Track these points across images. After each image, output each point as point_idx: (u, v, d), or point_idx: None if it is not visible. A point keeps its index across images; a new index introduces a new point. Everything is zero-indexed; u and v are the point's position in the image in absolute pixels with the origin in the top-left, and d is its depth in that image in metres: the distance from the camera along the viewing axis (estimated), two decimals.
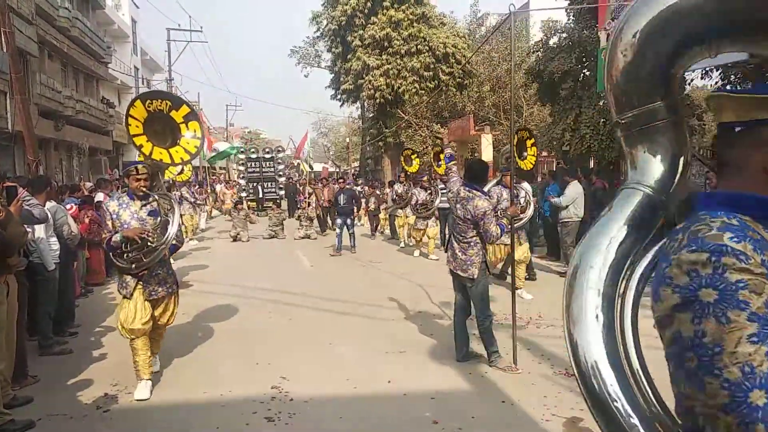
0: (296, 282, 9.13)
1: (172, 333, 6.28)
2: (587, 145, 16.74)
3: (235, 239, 14.89)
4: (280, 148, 27.49)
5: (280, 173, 25.80)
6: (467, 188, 4.93)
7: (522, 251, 7.57)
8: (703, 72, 15.62)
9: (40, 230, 5.30)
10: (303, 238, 15.47)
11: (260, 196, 24.40)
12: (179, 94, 37.22)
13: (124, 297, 4.48)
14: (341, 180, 16.49)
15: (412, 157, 14.42)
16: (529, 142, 7.95)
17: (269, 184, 25.26)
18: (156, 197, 4.64)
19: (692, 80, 17.19)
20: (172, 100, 4.94)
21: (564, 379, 4.60)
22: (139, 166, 4.55)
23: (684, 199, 1.33)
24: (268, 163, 25.64)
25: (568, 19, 18.22)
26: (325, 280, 9.45)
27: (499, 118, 25.02)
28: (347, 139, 51.78)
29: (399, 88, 25.88)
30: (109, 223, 4.48)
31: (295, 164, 29.82)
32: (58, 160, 22.93)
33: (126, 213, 4.48)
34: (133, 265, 4.39)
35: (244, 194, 23.08)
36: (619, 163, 18.10)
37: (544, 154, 22.64)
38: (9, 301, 4.22)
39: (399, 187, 13.43)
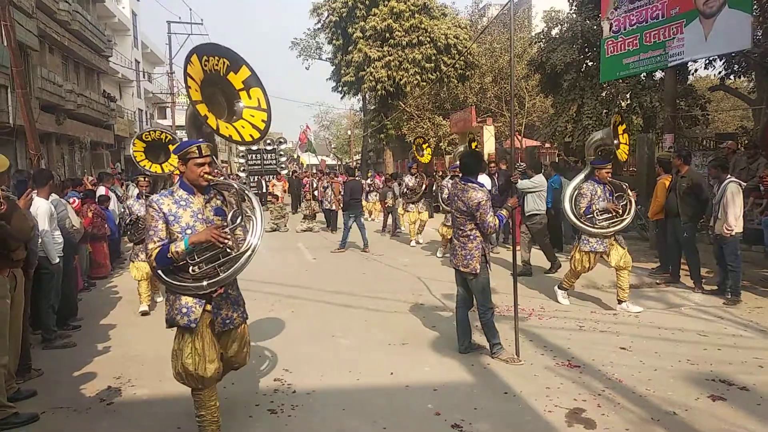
0: (298, 275, 9.14)
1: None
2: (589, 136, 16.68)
3: None
4: (282, 140, 27.40)
5: (282, 166, 25.73)
6: (463, 181, 4.94)
7: (619, 255, 6.44)
8: (707, 62, 15.53)
9: (44, 223, 5.29)
10: (305, 231, 15.48)
11: (264, 190, 24.24)
12: (180, 87, 37.21)
13: (183, 328, 3.30)
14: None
15: (424, 146, 13.26)
16: (621, 128, 6.79)
17: (271, 177, 25.22)
18: (232, 187, 3.51)
19: (696, 70, 17.13)
20: (230, 58, 3.72)
21: (566, 371, 4.61)
22: (203, 145, 3.30)
23: None
24: (269, 155, 25.55)
25: (571, 10, 18.10)
26: (327, 272, 9.45)
27: (501, 109, 24.94)
28: (349, 132, 51.69)
29: (400, 79, 25.79)
30: (160, 227, 3.21)
31: (295, 157, 29.77)
32: (60, 154, 22.95)
33: (187, 213, 3.27)
34: (205, 282, 3.23)
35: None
36: None
37: (547, 145, 22.62)
38: (15, 294, 4.23)
39: (410, 180, 12.11)
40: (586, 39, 16.48)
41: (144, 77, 37.66)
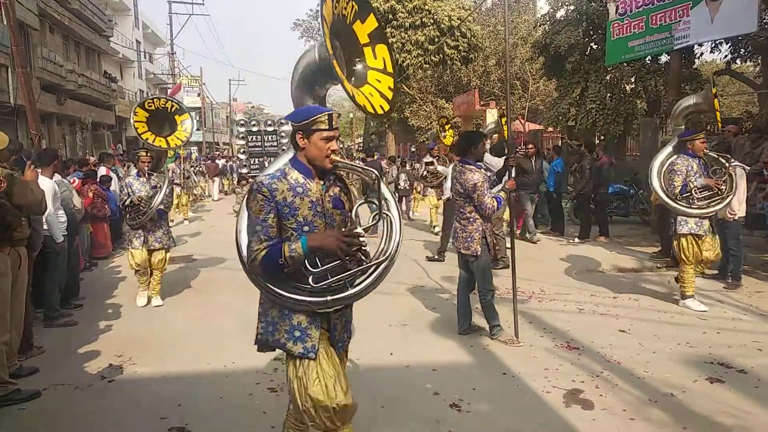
0: None
1: (176, 305, 6.34)
2: (592, 120, 16.59)
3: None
4: (282, 121, 27.26)
5: (284, 148, 25.58)
6: (461, 163, 4.92)
7: (714, 246, 5.71)
8: (713, 45, 15.38)
9: (48, 203, 5.28)
10: None
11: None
12: (181, 68, 36.96)
13: (303, 356, 2.50)
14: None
15: (446, 127, 12.67)
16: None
17: (273, 159, 25.05)
18: (370, 173, 2.56)
19: (701, 54, 16.94)
20: (359, 1, 2.79)
21: (565, 352, 4.63)
22: (334, 114, 2.47)
23: None
24: (270, 136, 25.34)
25: None
26: None
27: (504, 92, 24.81)
28: (351, 115, 51.44)
29: (403, 61, 25.58)
30: (270, 221, 2.40)
31: None
32: (61, 134, 22.91)
33: (305, 204, 2.45)
34: (329, 297, 2.45)
35: (245, 170, 22.91)
36: (625, 138, 17.96)
37: (550, 129, 22.50)
38: (20, 272, 4.24)
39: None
40: (591, 21, 16.31)
41: (145, 58, 37.42)
